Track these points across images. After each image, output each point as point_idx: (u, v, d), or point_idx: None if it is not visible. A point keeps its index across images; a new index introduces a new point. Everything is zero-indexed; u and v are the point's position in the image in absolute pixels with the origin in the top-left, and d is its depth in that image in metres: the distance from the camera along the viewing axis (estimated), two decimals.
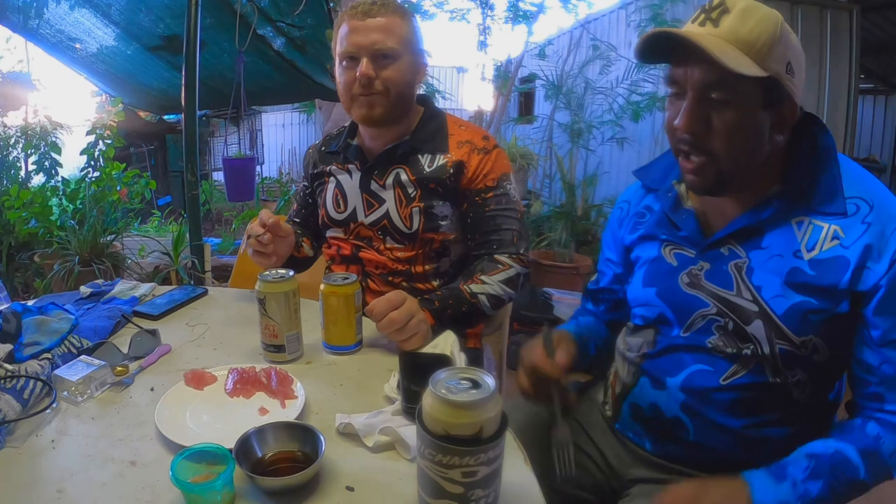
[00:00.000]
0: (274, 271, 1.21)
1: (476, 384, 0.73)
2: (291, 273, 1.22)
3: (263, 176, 6.79)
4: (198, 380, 1.04)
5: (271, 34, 4.57)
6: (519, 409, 1.29)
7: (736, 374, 1.02)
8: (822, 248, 0.97)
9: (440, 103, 7.67)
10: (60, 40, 4.01)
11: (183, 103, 3.04)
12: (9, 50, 4.62)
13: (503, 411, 0.73)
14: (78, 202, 3.56)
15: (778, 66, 0.92)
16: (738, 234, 1.03)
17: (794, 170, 1.01)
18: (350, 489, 0.82)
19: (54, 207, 3.63)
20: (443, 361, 1.08)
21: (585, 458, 1.21)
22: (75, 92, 5.28)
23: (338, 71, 1.49)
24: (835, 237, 0.96)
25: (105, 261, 3.22)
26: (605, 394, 1.26)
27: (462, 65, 6.98)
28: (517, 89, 6.52)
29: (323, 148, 1.73)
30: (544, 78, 5.47)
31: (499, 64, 5.68)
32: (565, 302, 3.42)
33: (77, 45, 4.03)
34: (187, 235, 3.23)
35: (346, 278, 1.23)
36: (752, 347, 1.00)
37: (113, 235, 3.52)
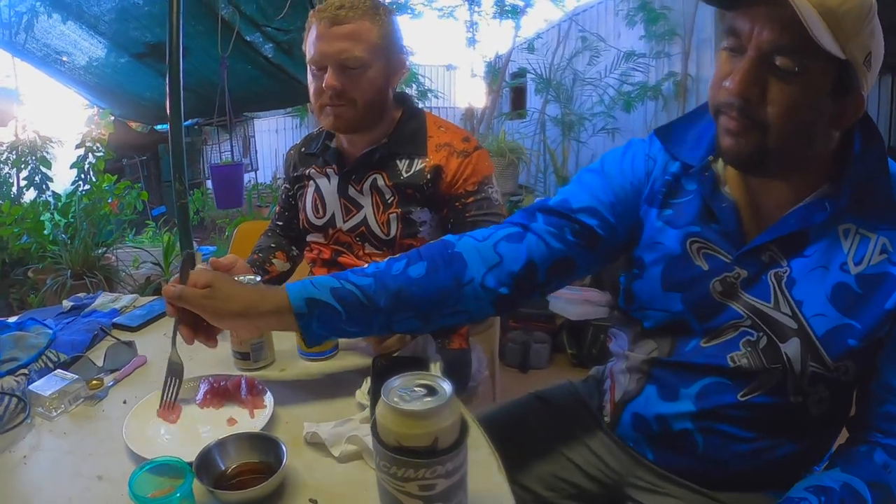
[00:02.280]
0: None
1: (432, 391, 0.69)
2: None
3: (258, 182, 6.79)
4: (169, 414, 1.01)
5: (260, 40, 4.57)
6: (501, 411, 1.24)
7: (755, 391, 0.93)
8: (869, 262, 0.87)
9: (432, 102, 7.65)
10: (48, 54, 4.02)
11: (168, 112, 3.03)
12: None
13: (463, 419, 0.70)
14: (70, 216, 3.57)
15: (858, 53, 0.79)
16: (782, 239, 0.91)
17: (845, 171, 0.88)
18: (313, 502, 0.80)
19: (46, 222, 3.64)
20: (417, 364, 1.04)
21: (576, 470, 1.12)
22: (66, 106, 5.31)
23: (308, 77, 1.46)
24: (883, 250, 0.87)
25: (97, 273, 3.23)
26: (600, 398, 1.16)
27: (451, 62, 6.95)
28: (507, 84, 6.52)
29: (303, 149, 1.70)
30: (534, 72, 5.46)
31: (489, 60, 5.67)
32: (562, 297, 3.39)
33: (64, 59, 4.04)
34: (179, 245, 3.22)
35: None
36: (780, 367, 0.90)
37: (104, 248, 3.52)
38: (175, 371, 1.03)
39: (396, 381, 0.71)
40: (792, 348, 0.89)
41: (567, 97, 5.16)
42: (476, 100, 5.83)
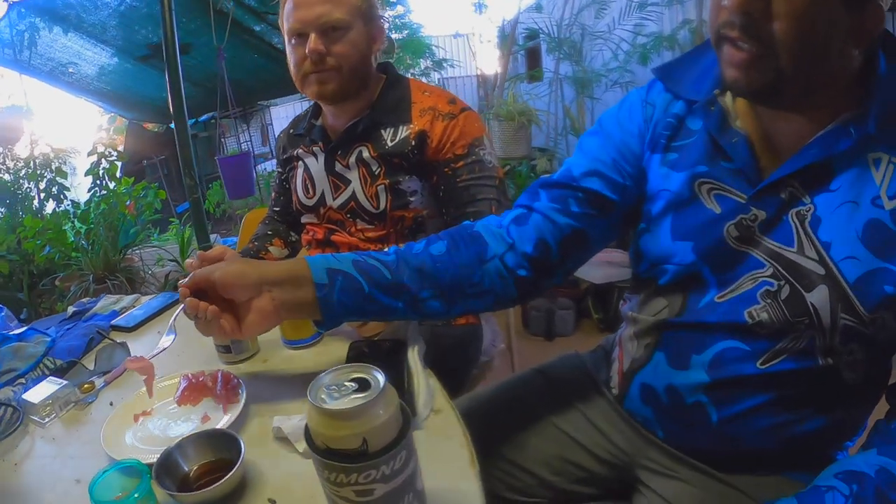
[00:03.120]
0: None
1: (364, 386, 0.62)
2: None
3: (275, 169, 6.84)
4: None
5: (268, 30, 4.56)
6: (500, 389, 1.18)
7: (778, 356, 0.82)
8: None
9: (448, 72, 7.57)
10: (54, 68, 4.10)
11: (171, 110, 3.05)
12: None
13: (404, 415, 0.63)
14: (89, 222, 3.65)
15: None
16: (804, 172, 0.79)
17: (870, 93, 0.78)
18: (272, 502, 0.77)
19: (68, 231, 3.72)
20: (395, 349, 1.02)
21: (583, 451, 1.05)
22: (81, 115, 5.41)
23: (287, 50, 1.44)
24: None
25: (118, 276, 3.30)
26: (608, 369, 1.08)
27: (458, 31, 6.86)
28: (520, 47, 6.39)
29: (291, 130, 1.69)
30: (545, 32, 5.33)
31: (500, 26, 5.57)
32: None
33: (70, 70, 4.10)
34: (196, 239, 3.26)
35: None
36: (806, 321, 0.79)
37: (124, 250, 3.59)
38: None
39: (327, 377, 0.65)
40: (819, 297, 0.78)
41: (577, 54, 5.01)
42: (488, 66, 5.74)
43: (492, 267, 0.96)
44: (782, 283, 0.81)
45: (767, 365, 0.83)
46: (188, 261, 1.01)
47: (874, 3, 0.72)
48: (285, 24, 1.41)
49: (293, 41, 1.41)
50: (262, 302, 0.91)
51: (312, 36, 1.36)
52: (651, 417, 0.97)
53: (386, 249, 0.98)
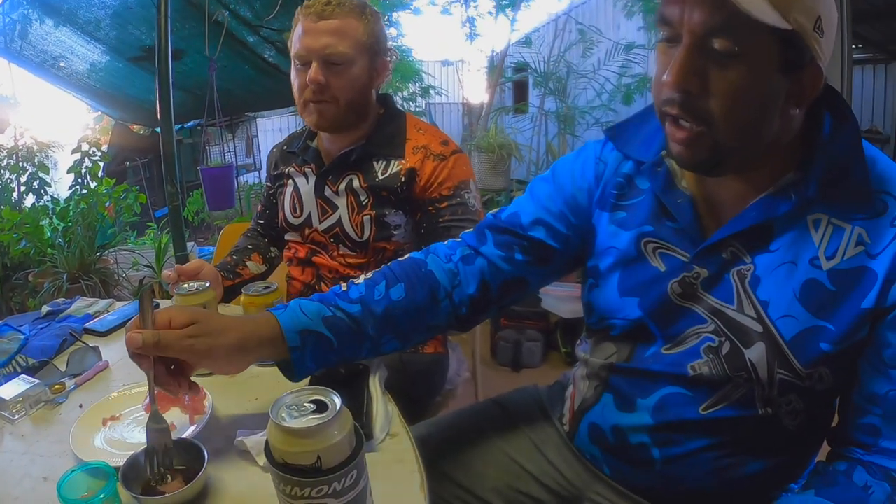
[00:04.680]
0: (190, 283, 1.20)
1: (322, 408, 0.67)
2: (207, 284, 1.20)
3: (260, 181, 6.84)
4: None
5: (260, 43, 4.60)
6: (456, 418, 1.21)
7: (719, 403, 0.86)
8: (843, 255, 0.79)
9: (434, 99, 7.65)
10: (44, 60, 4.08)
11: (158, 116, 3.08)
12: None
13: (358, 436, 0.69)
14: (67, 220, 3.64)
15: (805, 19, 0.70)
16: (745, 233, 0.83)
17: (813, 154, 0.80)
18: None
19: (46, 227, 3.70)
20: (358, 373, 1.07)
21: (534, 482, 1.08)
22: (68, 110, 5.38)
23: (292, 72, 1.48)
24: (859, 242, 0.79)
25: (93, 277, 3.29)
26: (562, 406, 1.12)
27: (447, 58, 6.95)
28: (508, 79, 6.51)
29: (285, 147, 1.72)
30: (533, 67, 5.45)
31: (489, 56, 5.69)
32: (553, 294, 3.36)
33: (61, 64, 4.10)
34: (172, 247, 3.27)
35: (267, 287, 1.21)
36: (744, 376, 0.83)
37: (100, 251, 3.59)
38: (162, 434, 0.86)
39: (289, 397, 0.70)
40: (757, 354, 0.82)
41: (562, 91, 5.14)
42: (474, 95, 5.85)
43: (443, 306, 1.02)
44: (723, 339, 0.85)
45: (709, 411, 0.87)
46: (165, 272, 1.04)
47: (812, 64, 0.75)
48: (293, 47, 1.44)
49: (298, 65, 1.44)
50: (242, 366, 0.92)
51: (314, 66, 1.40)
52: (598, 455, 1.01)
53: (348, 292, 0.99)
